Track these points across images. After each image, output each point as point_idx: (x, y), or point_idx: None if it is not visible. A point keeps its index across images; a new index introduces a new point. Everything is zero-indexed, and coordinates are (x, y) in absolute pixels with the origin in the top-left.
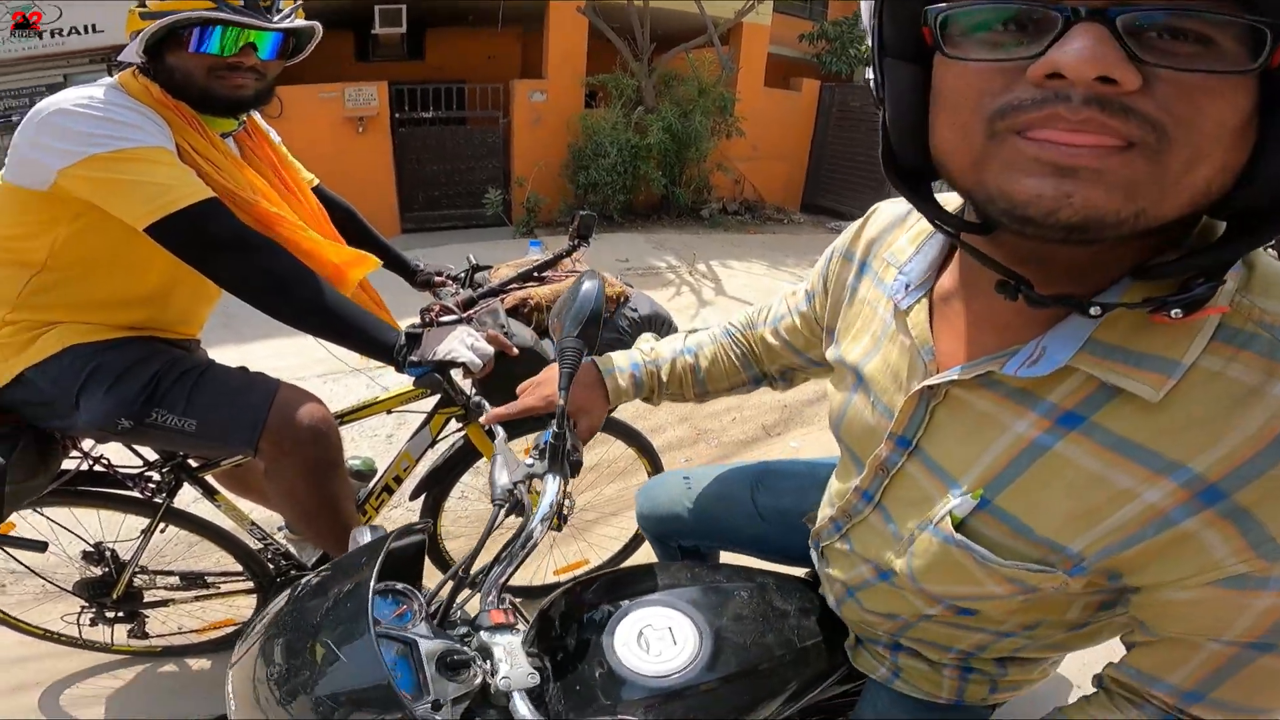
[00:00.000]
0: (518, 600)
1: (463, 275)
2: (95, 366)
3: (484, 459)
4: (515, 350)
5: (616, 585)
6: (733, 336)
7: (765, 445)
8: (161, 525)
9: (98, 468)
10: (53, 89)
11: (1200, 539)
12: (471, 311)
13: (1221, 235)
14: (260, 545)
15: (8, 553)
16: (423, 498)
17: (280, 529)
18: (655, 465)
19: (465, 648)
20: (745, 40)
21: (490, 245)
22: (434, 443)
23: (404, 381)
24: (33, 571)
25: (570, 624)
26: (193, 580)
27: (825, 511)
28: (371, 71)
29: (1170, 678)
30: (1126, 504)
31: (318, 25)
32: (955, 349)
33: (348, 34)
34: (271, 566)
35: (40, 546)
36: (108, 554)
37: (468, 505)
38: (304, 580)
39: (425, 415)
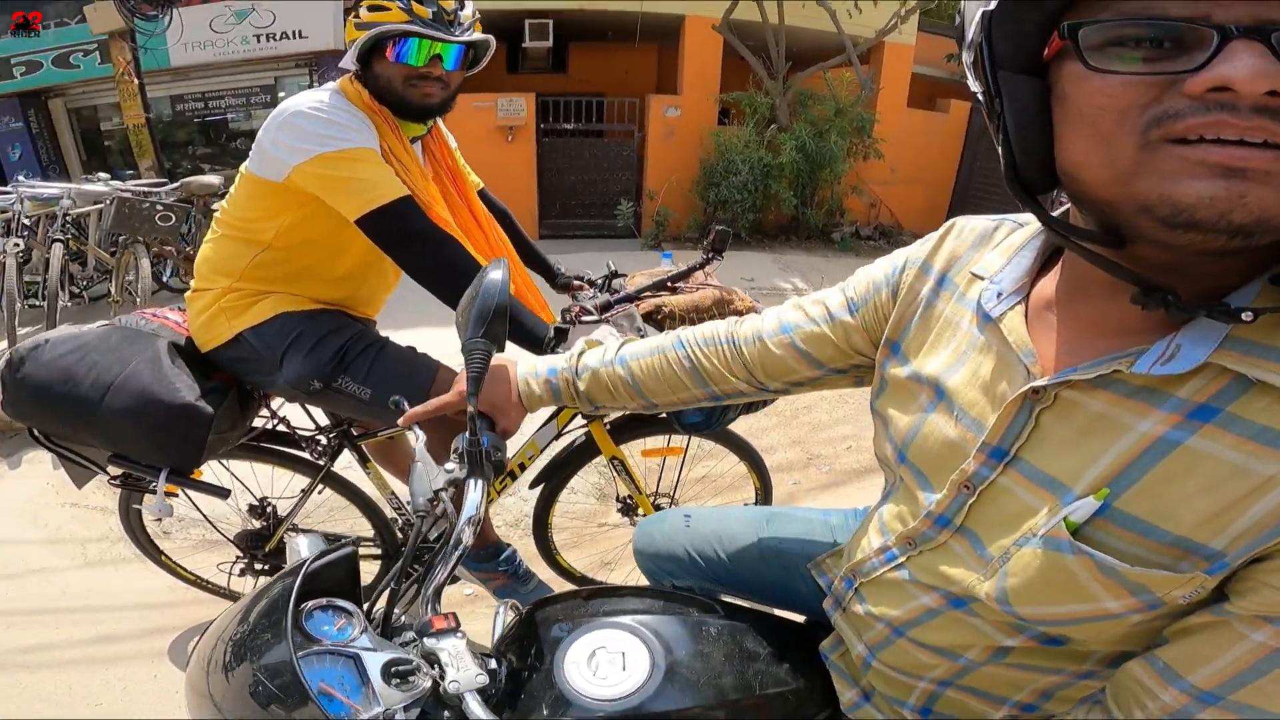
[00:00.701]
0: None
1: (601, 280)
2: (299, 332)
3: (602, 456)
4: None
5: (589, 601)
6: (687, 349)
7: (878, 477)
8: (320, 487)
9: (280, 427)
10: (265, 89)
11: None
12: (609, 314)
13: None
14: (394, 515)
15: (188, 497)
16: (539, 488)
17: (409, 503)
18: (765, 483)
19: (410, 655)
20: (887, 60)
21: (619, 255)
22: (559, 435)
23: None
24: (206, 519)
25: (535, 634)
26: (332, 541)
27: (872, 542)
28: (519, 83)
29: (1193, 675)
30: (1271, 491)
31: (492, 39)
32: (1059, 354)
33: (500, 46)
34: (400, 536)
35: (224, 493)
36: (269, 509)
37: (576, 500)
38: (251, 594)
39: (554, 409)
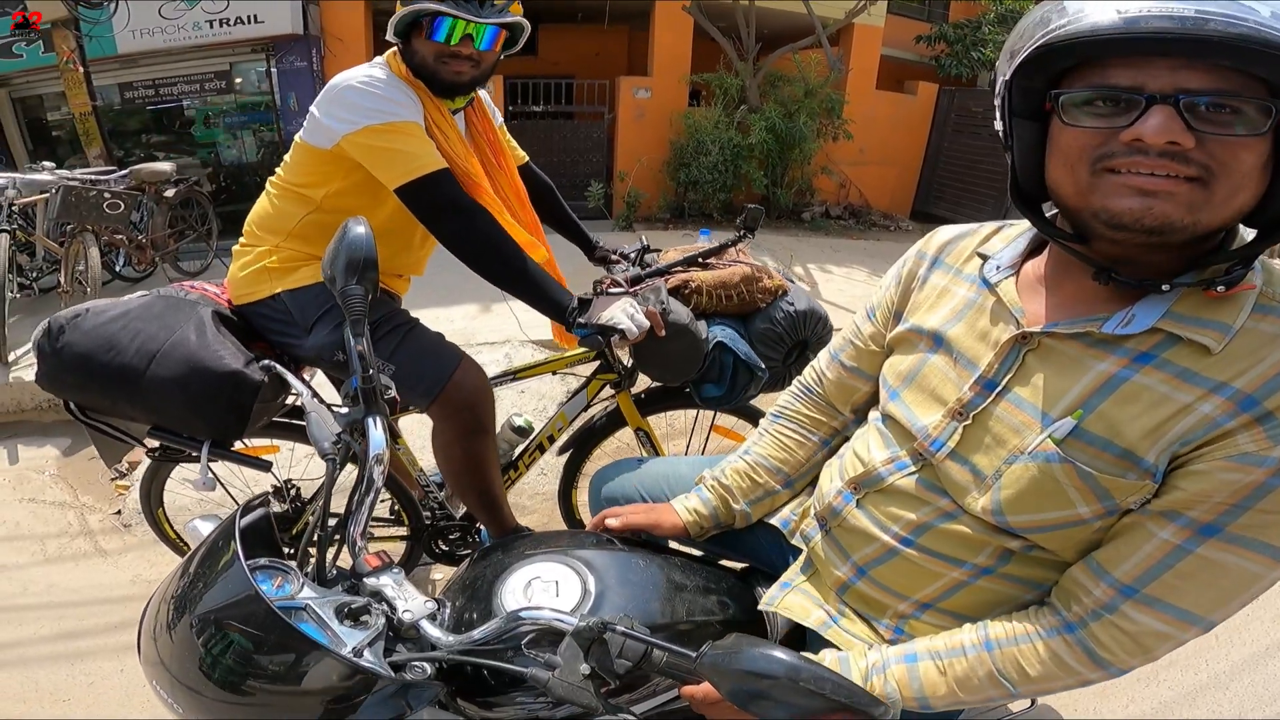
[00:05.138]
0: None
1: (633, 254)
2: (334, 303)
3: (629, 426)
4: (663, 331)
5: (529, 541)
6: (784, 416)
7: None
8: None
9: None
10: (220, 75)
11: (1234, 435)
12: (637, 288)
13: (1254, 238)
14: (421, 494)
15: (219, 480)
16: (567, 455)
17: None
18: None
19: (357, 596)
20: (856, 41)
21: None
22: (588, 406)
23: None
24: (235, 500)
25: (478, 573)
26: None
27: (875, 455)
28: None
29: (1116, 570)
30: (1188, 415)
31: (525, 22)
32: (1042, 312)
33: None
34: (426, 514)
35: (265, 465)
36: (294, 491)
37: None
38: (185, 567)
39: (583, 380)
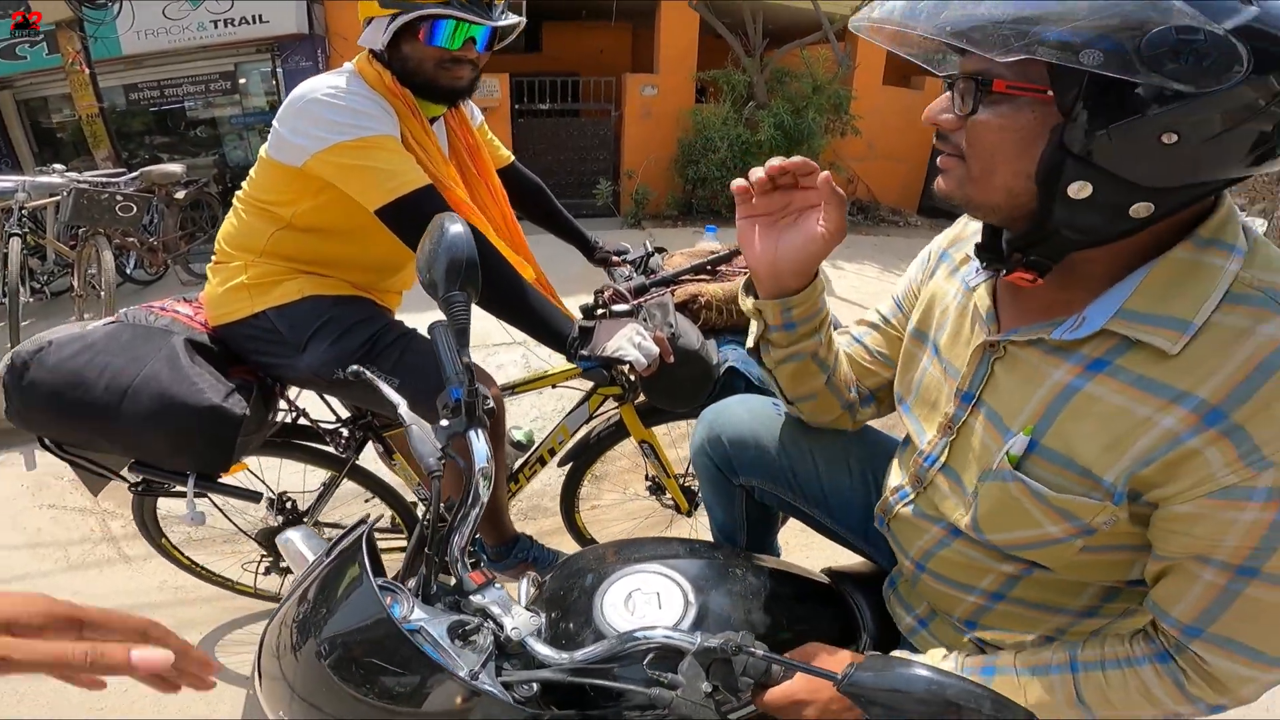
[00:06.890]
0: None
1: (639, 259)
2: (328, 318)
3: (630, 439)
4: (672, 358)
5: (617, 552)
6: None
7: None
8: (342, 479)
9: (301, 421)
10: (225, 76)
11: (1203, 455)
12: (642, 299)
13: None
14: (419, 502)
15: (209, 498)
16: (567, 467)
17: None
18: None
19: (464, 614)
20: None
21: (599, 235)
22: (590, 418)
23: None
24: (229, 519)
25: (567, 586)
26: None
27: (890, 483)
28: (492, 63)
29: (1174, 610)
30: (1147, 430)
31: (522, 20)
32: (1015, 319)
33: None
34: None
35: (255, 497)
36: (289, 505)
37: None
38: (306, 586)
39: (585, 393)
